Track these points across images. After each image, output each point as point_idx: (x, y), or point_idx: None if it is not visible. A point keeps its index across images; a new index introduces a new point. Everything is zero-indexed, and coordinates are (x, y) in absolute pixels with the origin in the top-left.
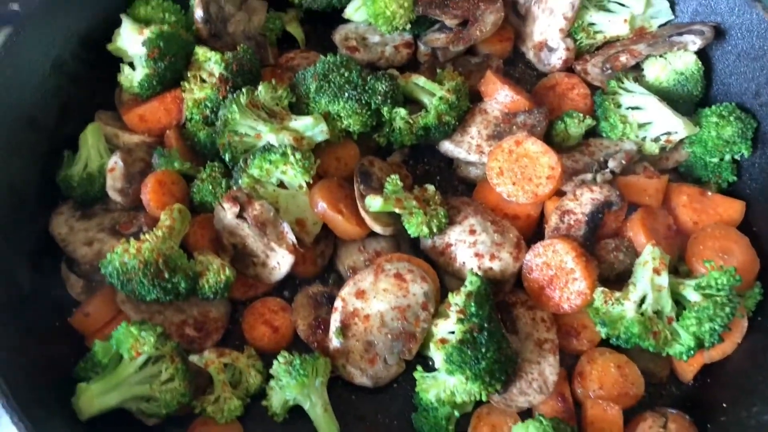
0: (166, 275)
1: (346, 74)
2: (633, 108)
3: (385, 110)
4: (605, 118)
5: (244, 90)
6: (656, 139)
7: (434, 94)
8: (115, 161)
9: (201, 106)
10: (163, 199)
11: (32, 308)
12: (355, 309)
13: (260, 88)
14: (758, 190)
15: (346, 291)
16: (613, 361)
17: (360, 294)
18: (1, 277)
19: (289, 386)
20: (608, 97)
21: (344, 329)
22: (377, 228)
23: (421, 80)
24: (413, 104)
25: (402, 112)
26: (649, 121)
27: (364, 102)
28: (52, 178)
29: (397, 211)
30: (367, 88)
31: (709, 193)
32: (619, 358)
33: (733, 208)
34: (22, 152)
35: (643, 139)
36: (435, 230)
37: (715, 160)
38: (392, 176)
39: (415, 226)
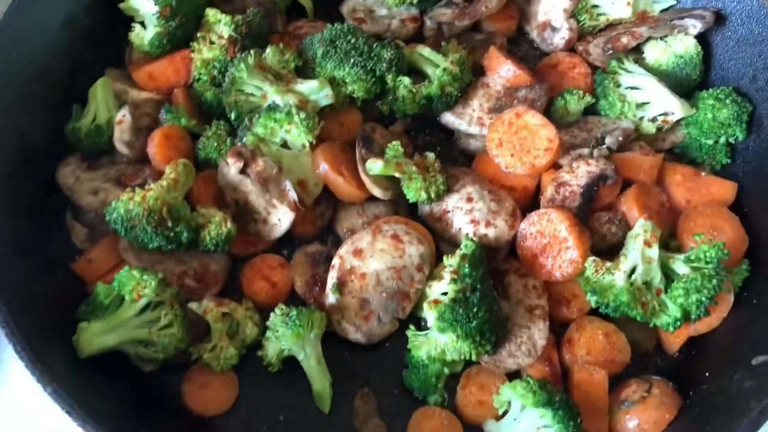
0: (169, 224)
1: (352, 41)
2: (632, 88)
3: (389, 78)
4: (604, 96)
5: (252, 51)
6: (653, 119)
7: (438, 65)
8: (124, 114)
9: (209, 67)
10: (168, 153)
11: (37, 253)
12: (352, 267)
13: (268, 50)
14: (750, 172)
15: (344, 249)
16: (602, 329)
17: (357, 253)
18: (9, 222)
19: (285, 336)
20: (608, 76)
21: (341, 286)
22: (376, 191)
23: (426, 51)
24: (417, 75)
25: (406, 80)
26: (647, 101)
27: (368, 68)
28: (61, 130)
29: (396, 175)
30: (372, 55)
31: (703, 174)
32: (607, 326)
33: (725, 189)
34: (33, 104)
35: (641, 118)
36: (433, 196)
37: (710, 142)
38: (394, 142)
39: (414, 190)
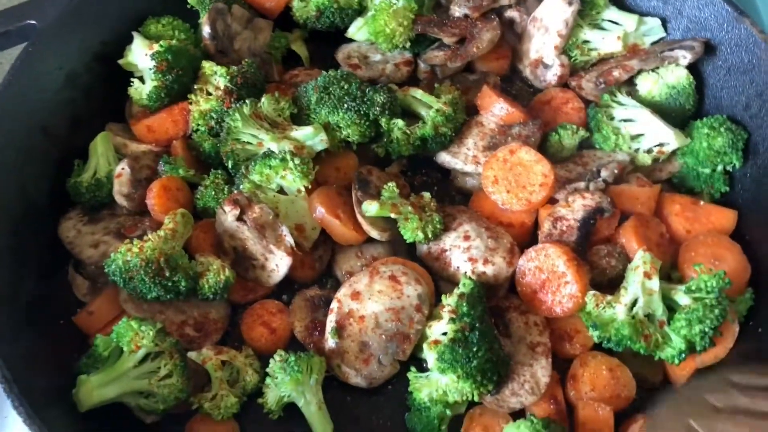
0: (167, 274)
1: (345, 86)
2: (626, 120)
3: (383, 121)
4: (598, 129)
5: (247, 101)
6: (649, 151)
7: (431, 106)
8: (123, 167)
9: (207, 118)
10: (167, 204)
11: (39, 307)
12: (350, 310)
13: (263, 99)
14: (750, 200)
15: (342, 292)
16: (605, 364)
17: (355, 295)
18: (11, 276)
19: (284, 383)
20: (601, 109)
21: (339, 329)
22: (374, 233)
23: (418, 93)
24: (411, 117)
25: (400, 123)
26: (641, 132)
27: (362, 113)
28: (62, 185)
29: (393, 216)
30: (365, 99)
31: (702, 203)
32: (611, 361)
33: (726, 217)
34: (36, 160)
35: (636, 150)
36: (430, 236)
37: (708, 170)
38: (389, 183)
39: (410, 231)
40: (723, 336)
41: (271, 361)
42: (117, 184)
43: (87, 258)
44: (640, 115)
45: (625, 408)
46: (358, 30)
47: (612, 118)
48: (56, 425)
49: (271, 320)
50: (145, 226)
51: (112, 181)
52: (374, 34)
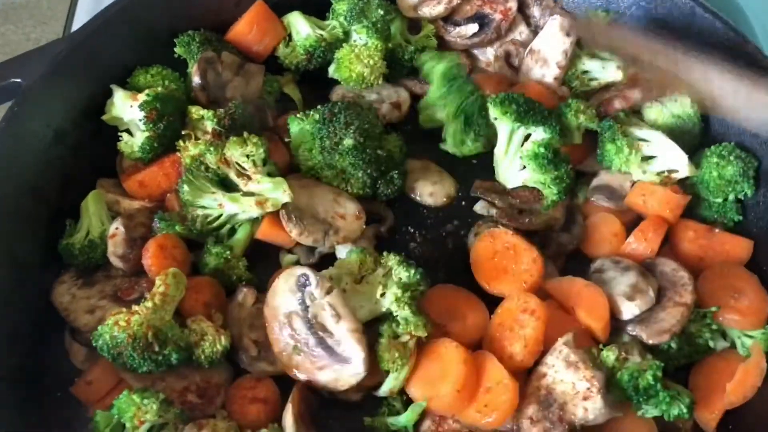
0: (156, 348)
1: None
2: (640, 139)
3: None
4: (612, 140)
5: (211, 148)
6: (658, 173)
7: None
8: (116, 227)
9: (197, 163)
10: (164, 263)
11: (34, 379)
12: None
13: (228, 144)
14: (765, 228)
15: None
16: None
17: None
18: (5, 352)
19: None
20: (615, 124)
21: None
22: None
23: None
24: None
25: None
26: (653, 154)
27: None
28: (54, 247)
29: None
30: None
31: (716, 230)
32: None
33: (740, 246)
34: (25, 222)
35: (644, 172)
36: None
37: (719, 200)
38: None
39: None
40: (750, 374)
41: None
42: (111, 245)
43: (83, 325)
44: (654, 137)
45: None
46: (335, 71)
47: (626, 135)
48: None
49: (256, 393)
50: (142, 287)
51: (105, 241)
52: (344, 80)
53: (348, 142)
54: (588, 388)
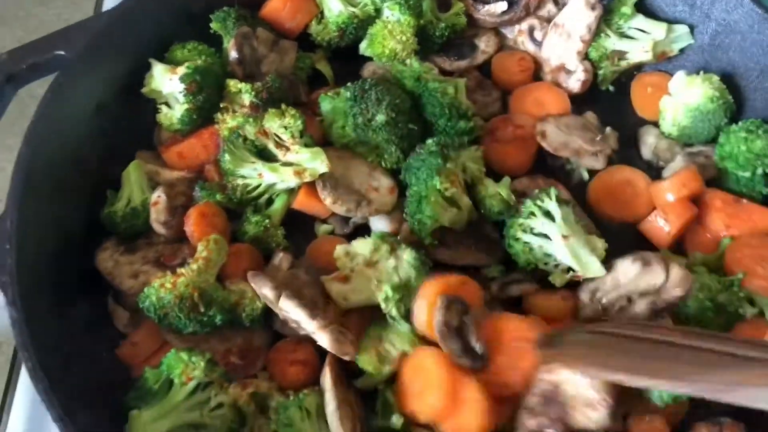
0: (202, 309)
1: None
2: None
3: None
4: None
5: (251, 120)
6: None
7: None
8: (159, 195)
9: (235, 135)
10: (205, 230)
11: (84, 345)
12: None
13: (266, 116)
14: None
15: None
16: None
17: None
18: (53, 319)
19: None
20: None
21: None
22: None
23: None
24: None
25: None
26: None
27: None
28: (96, 216)
29: None
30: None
31: (744, 201)
32: None
33: None
34: (69, 192)
35: None
36: None
37: (747, 174)
38: None
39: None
40: None
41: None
42: (154, 212)
43: (128, 289)
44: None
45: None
46: (367, 47)
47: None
48: None
49: (296, 356)
50: (184, 254)
51: (147, 209)
52: (377, 56)
53: (380, 118)
54: (598, 400)
